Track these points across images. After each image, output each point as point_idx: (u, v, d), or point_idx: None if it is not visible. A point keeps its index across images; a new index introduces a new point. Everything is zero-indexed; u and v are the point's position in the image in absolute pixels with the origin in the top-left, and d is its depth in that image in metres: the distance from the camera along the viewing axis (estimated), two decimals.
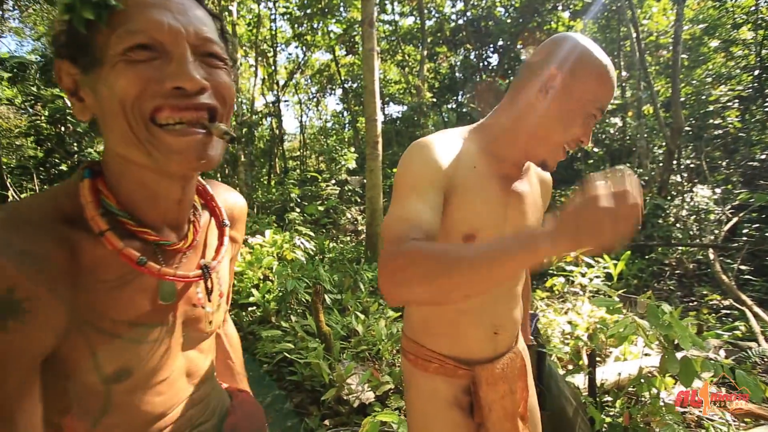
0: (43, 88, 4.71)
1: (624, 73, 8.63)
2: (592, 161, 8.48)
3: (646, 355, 2.39)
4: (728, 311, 3.64)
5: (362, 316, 3.05)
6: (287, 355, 2.54)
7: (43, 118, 4.65)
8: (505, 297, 0.95)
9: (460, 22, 12.04)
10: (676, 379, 2.04)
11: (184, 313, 0.58)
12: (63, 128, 4.59)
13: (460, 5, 12.12)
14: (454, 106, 12.79)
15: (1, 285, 0.39)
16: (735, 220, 5.11)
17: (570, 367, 2.30)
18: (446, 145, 0.84)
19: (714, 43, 8.83)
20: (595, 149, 8.44)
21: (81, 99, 0.47)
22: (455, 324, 0.93)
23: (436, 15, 12.22)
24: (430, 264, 0.59)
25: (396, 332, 2.73)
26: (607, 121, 8.76)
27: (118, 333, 0.49)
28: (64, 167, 4.71)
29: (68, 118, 4.41)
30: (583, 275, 2.89)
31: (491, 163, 0.88)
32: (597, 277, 2.88)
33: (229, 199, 0.69)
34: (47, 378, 0.46)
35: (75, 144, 4.65)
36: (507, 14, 11.67)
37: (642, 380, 1.83)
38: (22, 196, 3.31)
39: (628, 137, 8.37)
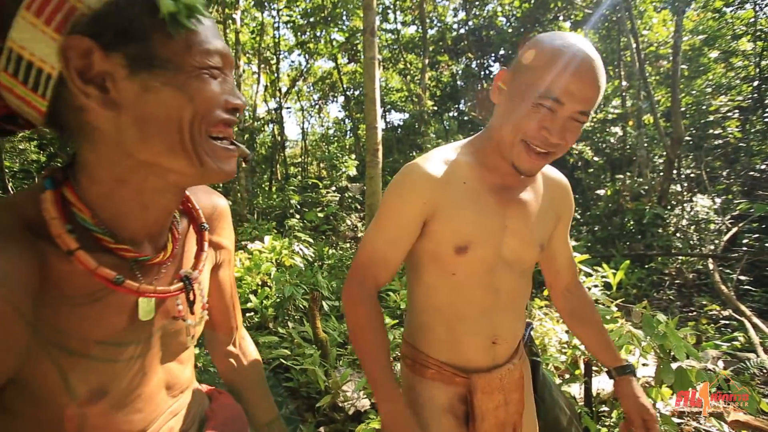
0: None
1: (624, 83, 8.68)
2: (592, 170, 8.49)
3: (643, 365, 2.38)
4: (727, 322, 3.62)
5: None
6: (283, 361, 2.53)
7: None
8: (506, 308, 0.94)
9: (462, 31, 12.16)
10: (673, 390, 2.03)
11: (163, 327, 0.54)
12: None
13: (461, 15, 12.24)
14: (455, 114, 12.85)
15: None
16: (735, 230, 5.11)
17: (566, 376, 2.29)
18: (435, 165, 0.86)
19: (714, 54, 8.88)
20: (596, 158, 8.46)
21: (105, 90, 0.41)
22: (453, 330, 0.93)
23: (438, 24, 12.34)
24: (357, 338, 0.88)
25: (393, 339, 2.73)
26: (607, 130, 8.79)
27: (88, 353, 0.45)
28: None
29: None
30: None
31: (484, 174, 0.88)
32: (595, 286, 2.88)
33: (207, 200, 0.65)
34: (14, 406, 0.43)
35: None
36: (508, 24, 11.79)
37: None
38: None
39: (628, 146, 8.39)
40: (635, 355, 2.45)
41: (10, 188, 3.63)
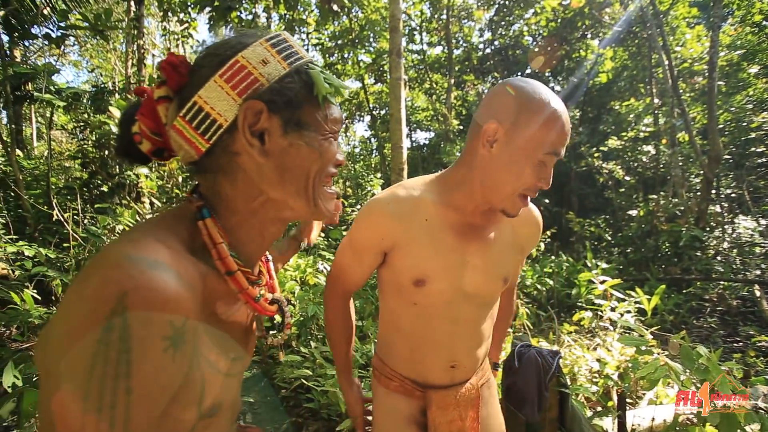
0: (93, 115, 5.08)
1: (656, 101, 8.44)
2: (623, 189, 8.22)
3: None
4: None
5: None
6: (305, 381, 2.52)
7: (90, 142, 5.00)
8: (466, 336, 0.98)
9: (488, 51, 12.23)
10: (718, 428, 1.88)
11: (251, 343, 0.64)
12: (107, 152, 4.90)
13: (487, 35, 12.34)
14: None
15: (179, 315, 0.40)
16: None
17: (598, 408, 2.17)
18: (398, 203, 0.91)
19: (754, 69, 8.53)
20: (627, 177, 8.19)
21: (262, 141, 0.51)
22: (415, 350, 1.00)
23: (464, 44, 12.47)
24: (328, 330, 1.09)
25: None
26: (639, 149, 8.53)
27: (220, 366, 0.51)
28: (105, 188, 5.00)
29: (112, 142, 4.73)
30: (613, 309, 2.75)
31: (447, 213, 0.92)
32: (628, 311, 2.74)
33: None
34: None
35: (116, 167, 4.95)
36: (534, 43, 11.77)
37: (678, 429, 1.70)
38: (65, 215, 3.53)
39: (662, 165, 8.09)
40: (674, 388, 2.30)
41: (54, 204, 3.86)
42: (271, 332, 0.68)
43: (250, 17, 7.83)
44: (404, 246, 0.90)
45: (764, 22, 8.53)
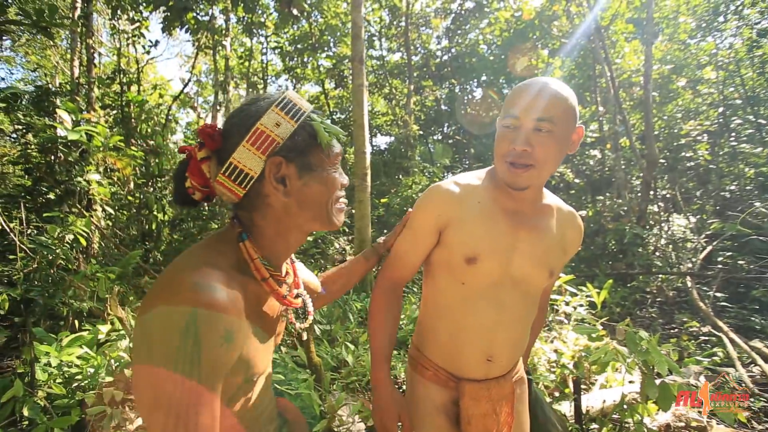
0: (37, 118, 4.74)
1: (601, 108, 9.09)
2: (573, 191, 8.77)
3: (630, 382, 2.45)
4: (707, 338, 3.75)
5: (352, 347, 3.06)
6: (278, 386, 2.52)
7: (33, 146, 4.66)
8: (506, 327, 1.01)
9: (445, 58, 12.61)
10: (657, 405, 2.11)
11: (279, 327, 0.79)
12: (53, 157, 4.60)
13: (444, 42, 12.70)
14: (440, 137, 13.16)
15: (229, 320, 0.57)
16: (709, 248, 5.33)
17: (556, 394, 2.34)
18: (453, 186, 1.02)
19: (681, 82, 9.41)
20: (576, 180, 8.75)
21: (285, 185, 0.67)
22: (453, 338, 1.02)
23: (422, 51, 12.78)
24: (371, 319, 1.08)
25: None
26: (587, 153, 9.13)
27: (258, 346, 0.67)
28: (51, 195, 4.68)
29: (59, 147, 4.44)
30: (567, 303, 2.97)
31: (498, 197, 1.01)
32: (581, 305, 2.97)
33: None
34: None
35: (65, 173, 4.65)
36: (489, 51, 12.29)
37: (625, 406, 1.88)
38: (11, 224, 3.29)
39: (607, 168, 8.72)
40: (621, 371, 2.53)
41: None
42: (297, 319, 0.84)
43: (206, 18, 7.61)
44: (458, 224, 0.99)
45: (688, 40, 9.45)
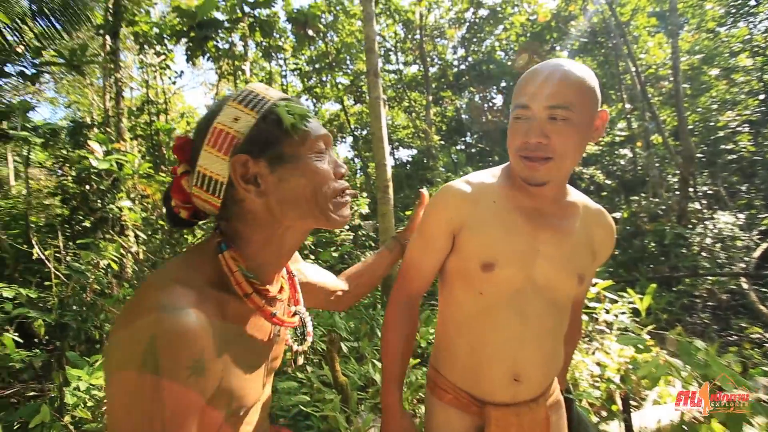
0: (72, 151, 4.99)
1: (627, 106, 8.75)
2: (605, 193, 8.40)
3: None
4: None
5: (379, 364, 2.95)
6: (303, 408, 2.44)
7: (69, 178, 4.89)
8: (532, 341, 0.88)
9: (463, 67, 12.56)
10: (725, 426, 1.88)
11: (274, 351, 0.71)
12: (88, 186, 4.80)
13: (461, 52, 12.68)
14: (462, 146, 13.04)
15: (198, 349, 0.49)
16: (765, 245, 4.92)
17: (603, 413, 2.15)
18: (466, 185, 0.92)
19: (714, 72, 8.96)
20: (608, 181, 8.39)
21: (258, 185, 0.59)
22: (473, 356, 0.90)
23: (439, 62, 12.80)
24: (384, 335, 0.99)
25: (415, 380, 2.63)
26: (616, 152, 8.78)
27: (244, 374, 0.59)
28: (87, 223, 4.88)
29: (92, 177, 4.63)
30: (608, 311, 2.77)
31: (514, 195, 0.91)
32: (623, 312, 2.76)
33: None
34: None
35: (98, 201, 4.85)
36: (507, 57, 12.16)
37: (685, 427, 1.69)
38: (47, 252, 3.41)
39: (639, 167, 8.33)
40: (676, 387, 2.30)
41: (34, 242, 3.74)
42: (294, 341, 0.75)
43: (227, 46, 7.90)
44: (472, 226, 0.88)
45: (717, 28, 9.02)
